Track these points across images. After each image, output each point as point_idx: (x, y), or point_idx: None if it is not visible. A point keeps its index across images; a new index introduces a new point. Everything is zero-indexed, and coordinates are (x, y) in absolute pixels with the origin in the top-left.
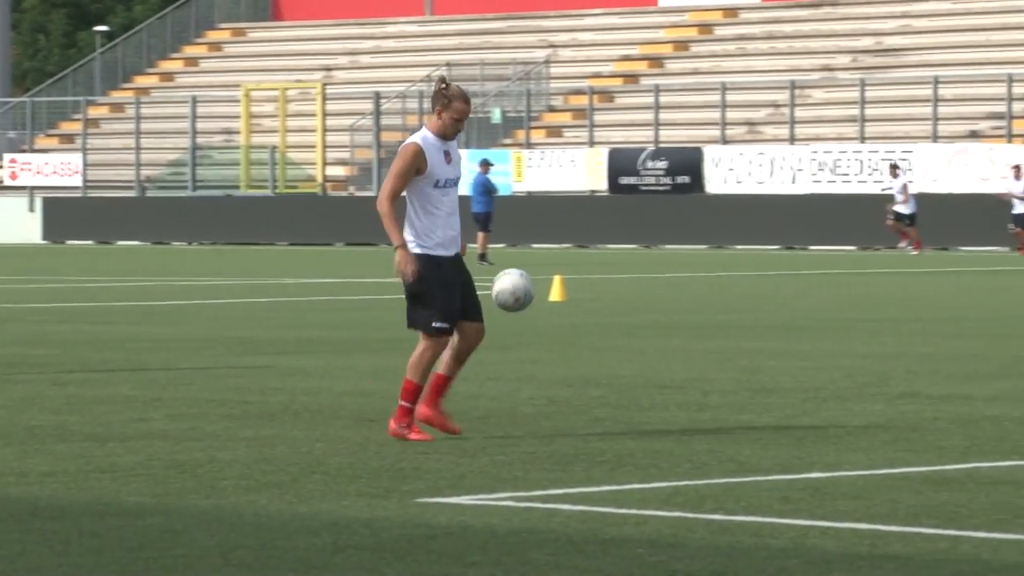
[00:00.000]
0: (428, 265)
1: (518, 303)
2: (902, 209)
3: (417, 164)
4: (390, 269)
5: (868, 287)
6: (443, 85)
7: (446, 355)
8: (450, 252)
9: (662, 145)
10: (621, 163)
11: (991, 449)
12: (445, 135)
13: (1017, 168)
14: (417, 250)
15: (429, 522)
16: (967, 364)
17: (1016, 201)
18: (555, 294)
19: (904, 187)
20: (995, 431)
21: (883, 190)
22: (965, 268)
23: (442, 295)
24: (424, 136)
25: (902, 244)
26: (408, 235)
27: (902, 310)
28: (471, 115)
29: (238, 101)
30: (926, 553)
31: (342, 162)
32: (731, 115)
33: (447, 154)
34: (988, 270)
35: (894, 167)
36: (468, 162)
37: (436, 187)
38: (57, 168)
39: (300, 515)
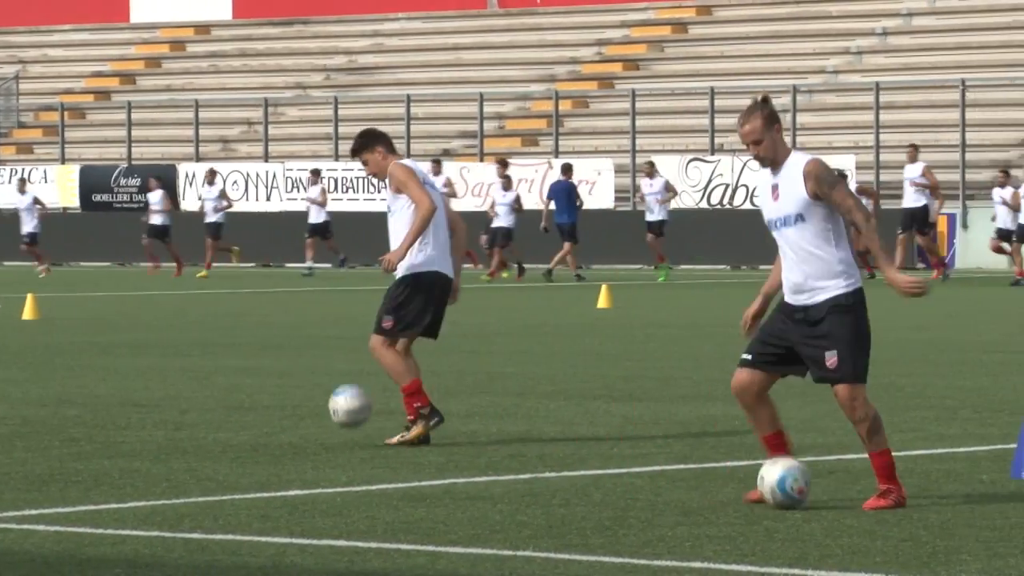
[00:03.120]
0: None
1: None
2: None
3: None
4: None
5: (343, 305)
6: None
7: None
8: (791, 300)
9: (135, 162)
10: (94, 180)
11: (467, 464)
12: (762, 165)
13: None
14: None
15: None
16: (445, 380)
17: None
18: (27, 312)
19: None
20: (471, 447)
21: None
22: None
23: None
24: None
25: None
26: None
27: None
28: None
29: None
30: (405, 569)
31: None
32: (205, 132)
33: (774, 188)
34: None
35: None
36: None
37: (771, 229)
38: None
39: None
